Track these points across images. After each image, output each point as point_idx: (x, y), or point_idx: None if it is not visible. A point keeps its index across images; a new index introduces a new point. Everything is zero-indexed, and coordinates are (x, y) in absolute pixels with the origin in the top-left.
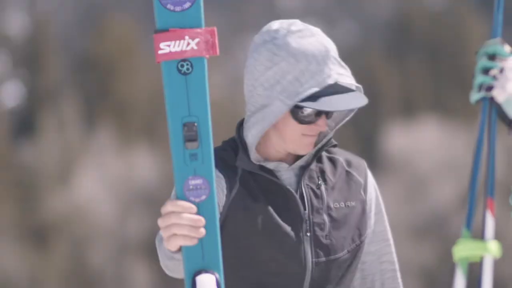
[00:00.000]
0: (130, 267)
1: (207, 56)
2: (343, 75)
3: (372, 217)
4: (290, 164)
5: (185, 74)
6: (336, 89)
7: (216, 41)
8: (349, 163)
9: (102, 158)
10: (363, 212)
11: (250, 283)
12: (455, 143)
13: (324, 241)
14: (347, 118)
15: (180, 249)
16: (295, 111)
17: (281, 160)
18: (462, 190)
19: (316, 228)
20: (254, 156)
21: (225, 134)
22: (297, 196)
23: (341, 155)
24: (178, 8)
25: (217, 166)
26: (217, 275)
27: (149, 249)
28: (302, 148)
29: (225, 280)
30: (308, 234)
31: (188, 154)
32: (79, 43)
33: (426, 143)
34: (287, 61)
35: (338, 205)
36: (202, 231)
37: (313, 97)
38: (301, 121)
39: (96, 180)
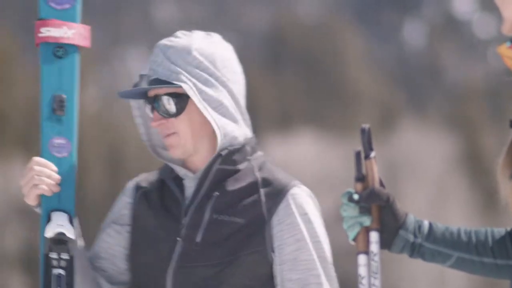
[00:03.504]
0: (6, 280)
1: (80, 45)
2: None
3: (289, 243)
4: (194, 172)
5: (59, 57)
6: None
7: (89, 35)
8: (266, 183)
9: None
10: (255, 232)
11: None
12: (331, 156)
13: (193, 247)
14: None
15: (39, 203)
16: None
17: (188, 166)
18: (337, 203)
19: (188, 234)
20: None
21: (102, 144)
22: (181, 199)
23: (267, 174)
24: (59, 7)
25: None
26: (71, 216)
27: (25, 261)
28: (168, 147)
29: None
30: (179, 238)
31: (55, 118)
32: None
33: (302, 155)
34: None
35: (221, 218)
36: (57, 187)
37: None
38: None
39: None
